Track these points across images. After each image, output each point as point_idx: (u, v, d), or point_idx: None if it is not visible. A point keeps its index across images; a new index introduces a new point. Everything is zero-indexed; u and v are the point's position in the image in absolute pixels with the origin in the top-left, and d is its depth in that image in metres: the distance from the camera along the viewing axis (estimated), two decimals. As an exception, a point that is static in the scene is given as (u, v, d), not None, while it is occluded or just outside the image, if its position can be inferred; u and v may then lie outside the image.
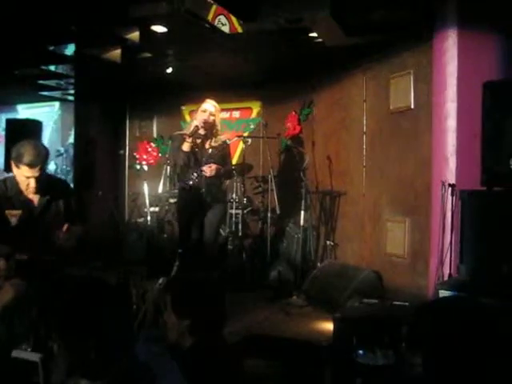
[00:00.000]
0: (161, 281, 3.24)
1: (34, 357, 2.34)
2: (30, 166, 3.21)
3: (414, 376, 1.97)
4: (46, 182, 3.36)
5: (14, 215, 3.29)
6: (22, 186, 3.30)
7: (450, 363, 1.59)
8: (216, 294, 2.37)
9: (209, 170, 4.66)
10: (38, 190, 3.32)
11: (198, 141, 4.77)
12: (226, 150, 4.93)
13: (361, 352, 2.76)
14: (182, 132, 4.86)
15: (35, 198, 3.39)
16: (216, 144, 4.81)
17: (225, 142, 4.90)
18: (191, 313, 2.26)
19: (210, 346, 2.26)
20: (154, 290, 3.01)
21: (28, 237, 3.24)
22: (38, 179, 3.26)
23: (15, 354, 2.44)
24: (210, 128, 4.76)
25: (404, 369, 2.42)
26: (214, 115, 4.74)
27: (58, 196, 3.46)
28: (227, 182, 5.55)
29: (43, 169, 3.30)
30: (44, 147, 3.38)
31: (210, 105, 4.77)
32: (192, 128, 4.66)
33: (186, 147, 4.65)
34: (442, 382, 1.62)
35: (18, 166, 3.26)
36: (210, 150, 4.79)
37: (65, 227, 3.28)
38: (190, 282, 2.40)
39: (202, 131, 4.73)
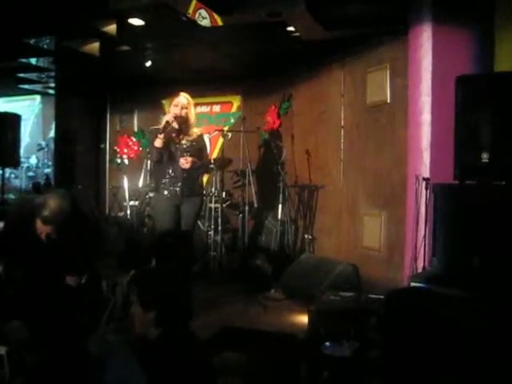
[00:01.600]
0: (132, 273, 3.25)
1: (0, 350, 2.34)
2: (44, 222, 3.11)
3: (377, 365, 2.01)
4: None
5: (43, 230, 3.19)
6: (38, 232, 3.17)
7: (405, 351, 1.62)
8: (180, 286, 2.38)
9: (184, 162, 4.65)
10: (50, 239, 3.18)
11: (173, 135, 4.75)
12: (202, 143, 4.91)
13: (327, 344, 2.78)
14: (156, 127, 4.83)
15: None
16: (191, 138, 4.80)
17: (200, 136, 4.89)
18: (156, 305, 2.27)
19: (175, 337, 2.28)
20: (123, 283, 3.02)
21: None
22: (48, 235, 3.14)
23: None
24: (184, 122, 4.74)
25: (368, 358, 2.45)
26: (186, 108, 4.71)
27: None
28: (204, 175, 5.54)
29: (57, 226, 3.14)
30: (69, 209, 3.18)
31: (182, 98, 4.74)
32: (163, 123, 4.64)
33: (158, 143, 4.62)
34: (400, 369, 1.65)
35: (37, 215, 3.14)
36: (185, 143, 4.78)
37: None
38: (154, 274, 2.41)
39: (175, 125, 4.71)
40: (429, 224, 4.43)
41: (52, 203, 3.11)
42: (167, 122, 4.59)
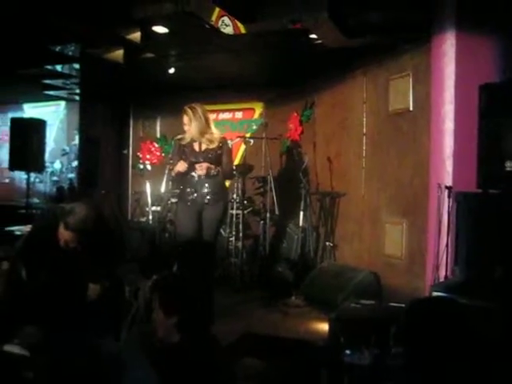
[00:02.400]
0: (154, 279, 3.27)
1: (24, 351, 2.38)
2: (67, 228, 3.11)
3: (399, 374, 2.00)
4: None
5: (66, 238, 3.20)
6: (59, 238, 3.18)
7: (429, 360, 1.61)
8: (201, 292, 2.41)
9: (199, 168, 4.66)
10: (68, 247, 3.19)
11: (196, 145, 4.78)
12: (224, 148, 4.87)
13: (348, 352, 2.78)
14: (181, 136, 4.84)
15: None
16: (212, 143, 4.79)
17: (222, 141, 4.86)
18: (177, 310, 2.30)
19: (197, 342, 2.30)
20: (145, 288, 3.05)
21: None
22: (69, 242, 3.15)
23: (7, 348, 2.48)
24: (196, 132, 4.74)
25: (389, 367, 2.45)
26: (191, 120, 4.72)
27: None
28: (228, 181, 5.54)
29: (79, 234, 3.13)
30: (94, 220, 3.18)
31: (186, 112, 4.77)
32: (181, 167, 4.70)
33: (181, 168, 4.68)
34: (424, 378, 1.64)
35: (61, 220, 3.15)
36: (206, 149, 4.77)
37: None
38: (175, 280, 2.44)
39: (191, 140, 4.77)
40: (451, 233, 4.40)
41: (78, 212, 3.13)
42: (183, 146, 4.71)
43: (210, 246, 4.84)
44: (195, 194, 4.73)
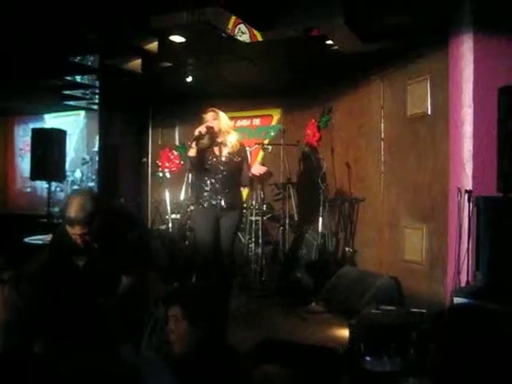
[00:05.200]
0: (171, 288, 3.30)
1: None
2: (70, 224, 3.05)
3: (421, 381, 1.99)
4: (102, 232, 3.14)
5: (80, 261, 3.18)
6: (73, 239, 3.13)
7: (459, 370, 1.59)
8: (217, 302, 2.40)
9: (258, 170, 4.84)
10: (89, 243, 3.13)
11: (216, 150, 4.79)
12: (242, 155, 4.89)
13: (368, 358, 2.77)
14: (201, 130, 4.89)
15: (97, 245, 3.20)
16: (231, 150, 4.81)
17: (240, 148, 4.88)
18: (193, 320, 2.30)
19: (214, 351, 2.30)
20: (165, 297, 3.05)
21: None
22: (82, 236, 3.07)
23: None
24: (217, 132, 4.78)
25: (410, 375, 2.43)
26: (215, 119, 4.77)
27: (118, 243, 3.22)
28: (246, 188, 5.55)
29: (88, 226, 3.05)
30: (91, 203, 3.07)
31: (210, 112, 4.83)
32: (196, 134, 4.72)
33: (191, 152, 4.70)
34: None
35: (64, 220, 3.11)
36: (225, 156, 4.79)
37: None
38: (192, 291, 2.45)
39: (206, 139, 4.77)
40: (472, 237, 4.35)
41: (70, 203, 3.06)
42: (199, 132, 4.66)
43: (227, 252, 4.86)
44: (211, 200, 4.75)
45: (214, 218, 4.78)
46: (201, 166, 4.79)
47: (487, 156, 4.36)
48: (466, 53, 4.57)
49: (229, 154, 4.78)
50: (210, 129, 4.69)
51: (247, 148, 5.17)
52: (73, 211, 3.02)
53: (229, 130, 4.85)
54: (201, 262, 4.82)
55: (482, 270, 4.03)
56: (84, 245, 3.12)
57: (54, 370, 1.81)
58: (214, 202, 4.75)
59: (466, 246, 4.43)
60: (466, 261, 4.40)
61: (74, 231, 3.06)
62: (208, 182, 4.77)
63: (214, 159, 4.78)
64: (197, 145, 4.66)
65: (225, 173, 4.75)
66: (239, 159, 4.83)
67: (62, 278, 3.14)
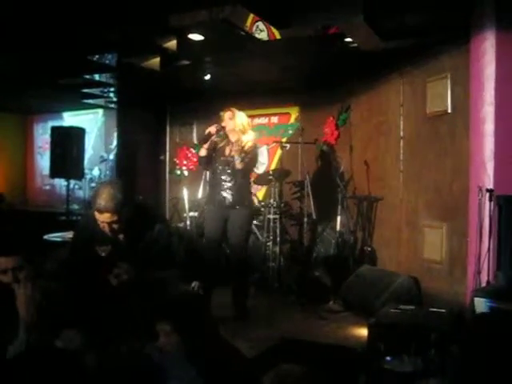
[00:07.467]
0: (193, 284, 3.29)
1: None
2: (100, 211, 3.08)
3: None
4: (130, 223, 3.18)
5: (103, 250, 3.19)
6: (101, 227, 3.16)
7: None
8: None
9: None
10: (117, 232, 3.17)
11: (227, 149, 4.81)
12: (251, 155, 4.88)
13: (388, 358, 2.75)
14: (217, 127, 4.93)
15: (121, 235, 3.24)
16: (242, 150, 4.82)
17: (251, 148, 4.87)
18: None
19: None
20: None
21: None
22: (111, 224, 3.11)
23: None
24: (230, 132, 4.79)
25: (431, 376, 2.40)
26: (230, 119, 4.79)
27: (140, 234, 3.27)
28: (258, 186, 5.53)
29: (118, 214, 3.09)
30: (119, 193, 3.10)
31: (227, 112, 4.85)
32: (206, 133, 4.75)
33: (202, 153, 4.74)
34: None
35: (93, 208, 3.13)
36: (235, 155, 4.80)
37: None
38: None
39: (218, 138, 4.79)
40: (493, 237, 4.31)
41: (101, 192, 3.09)
42: (209, 132, 4.68)
43: (238, 251, 4.88)
44: (220, 199, 4.78)
45: (221, 216, 4.82)
46: (210, 165, 4.82)
47: (509, 154, 4.31)
48: (488, 50, 4.50)
49: (240, 153, 4.79)
50: (220, 129, 4.72)
51: (265, 146, 5.18)
52: (104, 198, 3.05)
53: (244, 129, 4.86)
54: (208, 260, 4.88)
55: (503, 269, 4.00)
56: (111, 233, 3.15)
57: (79, 364, 1.83)
58: (222, 201, 4.79)
59: (486, 245, 4.38)
60: (486, 260, 4.35)
61: (103, 218, 3.09)
62: (218, 180, 4.81)
63: (224, 158, 4.81)
64: (205, 144, 4.70)
65: (234, 172, 4.78)
66: (249, 158, 4.84)
67: (84, 266, 3.17)
